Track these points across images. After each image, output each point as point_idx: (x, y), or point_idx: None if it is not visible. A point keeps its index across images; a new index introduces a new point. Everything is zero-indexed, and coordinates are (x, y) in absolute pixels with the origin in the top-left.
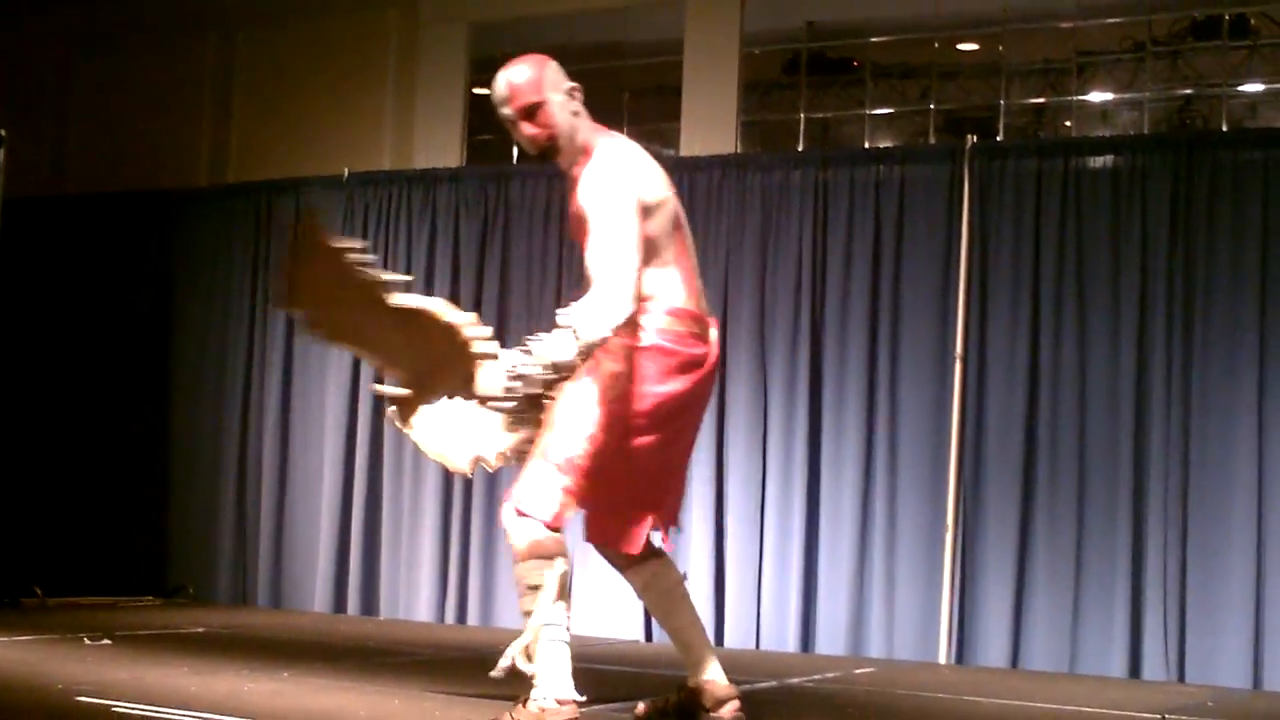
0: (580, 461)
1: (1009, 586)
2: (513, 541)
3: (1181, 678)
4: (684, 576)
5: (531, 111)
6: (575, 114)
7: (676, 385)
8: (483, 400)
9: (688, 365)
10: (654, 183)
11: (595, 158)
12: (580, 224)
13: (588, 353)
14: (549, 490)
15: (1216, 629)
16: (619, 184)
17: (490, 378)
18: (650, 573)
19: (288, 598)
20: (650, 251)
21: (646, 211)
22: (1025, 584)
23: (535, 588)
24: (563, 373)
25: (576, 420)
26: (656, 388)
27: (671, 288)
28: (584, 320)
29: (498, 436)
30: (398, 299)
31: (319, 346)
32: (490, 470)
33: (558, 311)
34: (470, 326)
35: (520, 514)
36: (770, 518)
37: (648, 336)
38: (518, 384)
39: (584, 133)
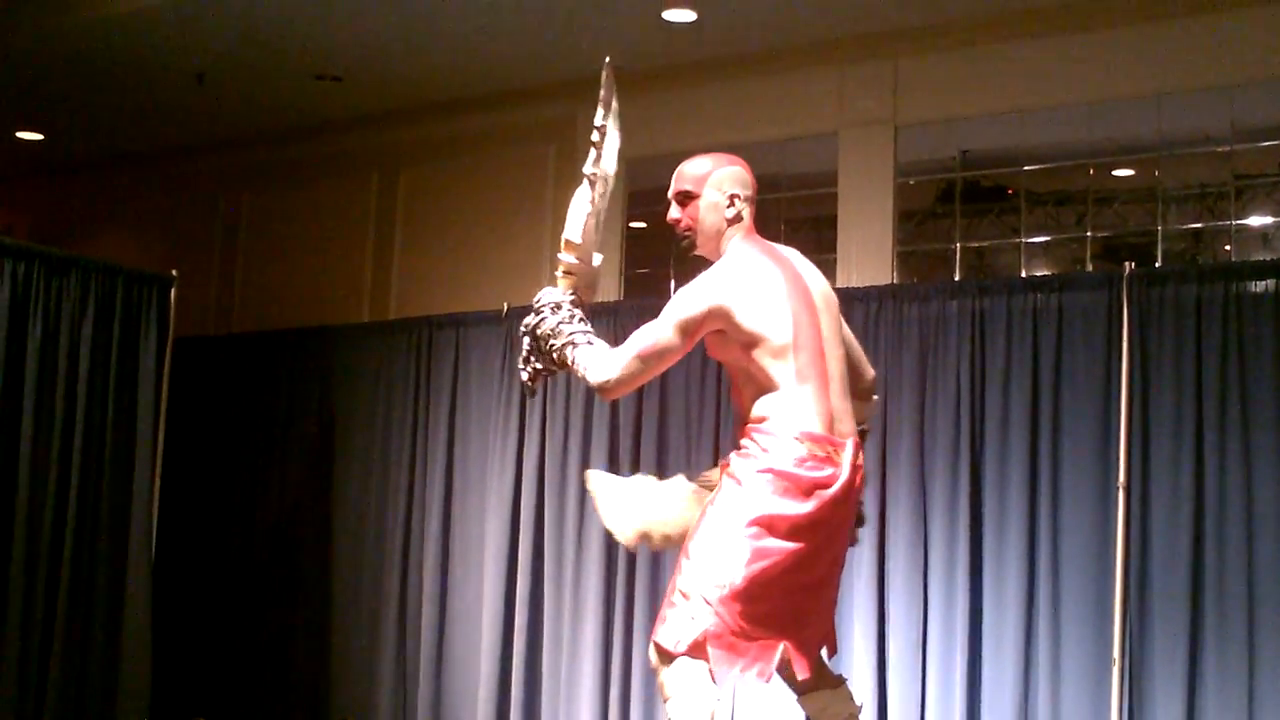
0: (719, 593)
1: None
2: (660, 680)
3: None
4: (859, 708)
5: (684, 199)
6: (728, 220)
7: (801, 508)
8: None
9: (811, 488)
10: (757, 298)
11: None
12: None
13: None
14: (686, 624)
15: None
16: (705, 285)
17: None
18: (824, 700)
19: None
20: (759, 372)
21: (730, 322)
22: (1195, 718)
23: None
24: (540, 344)
25: (709, 552)
26: (779, 510)
27: (796, 409)
28: (587, 361)
29: (671, 520)
30: None
31: (478, 474)
32: (651, 550)
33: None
34: None
35: (661, 650)
36: (932, 650)
37: (766, 460)
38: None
39: (730, 239)
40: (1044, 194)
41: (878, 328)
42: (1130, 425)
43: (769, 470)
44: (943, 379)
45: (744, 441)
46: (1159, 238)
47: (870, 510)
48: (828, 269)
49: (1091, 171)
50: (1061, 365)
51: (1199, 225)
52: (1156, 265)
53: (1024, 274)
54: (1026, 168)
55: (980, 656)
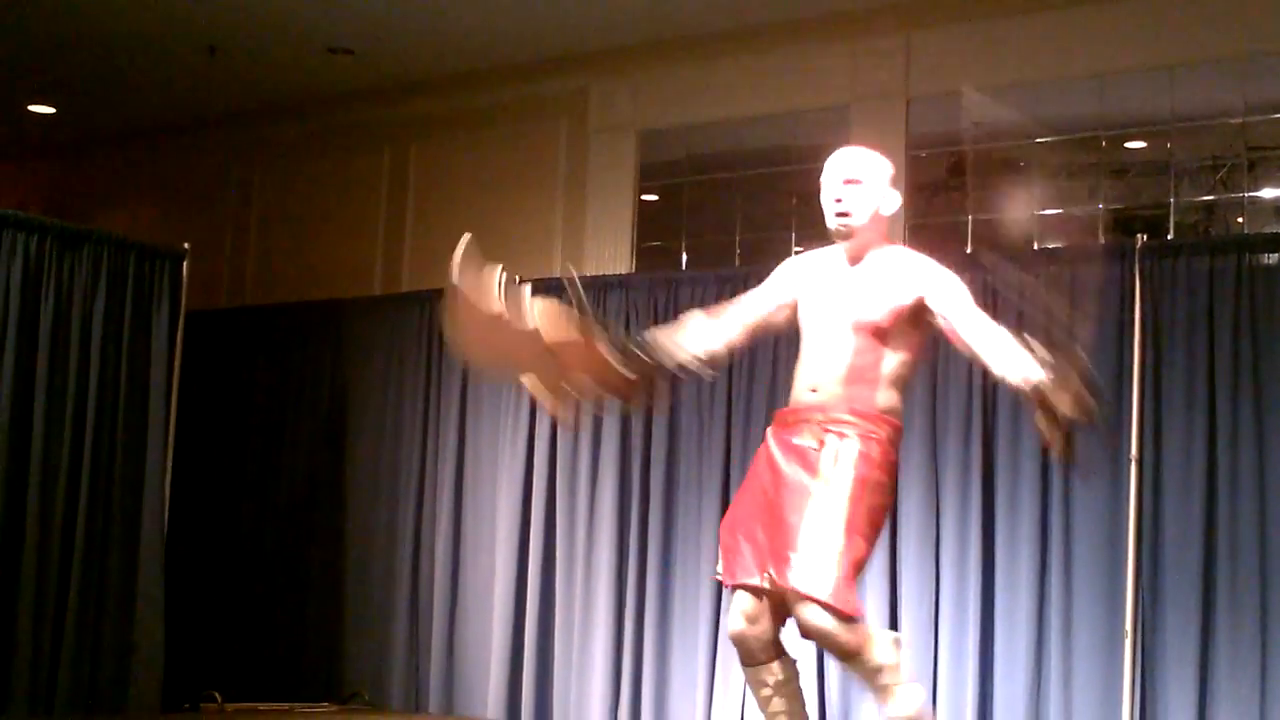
0: (858, 553)
1: (1191, 695)
2: (842, 640)
3: None
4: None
5: (852, 184)
6: (884, 217)
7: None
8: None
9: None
10: None
11: (896, 253)
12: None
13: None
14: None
15: None
16: (942, 270)
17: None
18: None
19: (460, 703)
20: (911, 368)
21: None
22: (1208, 691)
23: (881, 668)
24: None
25: (868, 516)
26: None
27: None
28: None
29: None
30: None
31: (490, 450)
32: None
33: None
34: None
35: (842, 614)
36: (945, 625)
37: (890, 453)
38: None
39: (877, 237)
40: (1056, 166)
41: None
42: (1142, 397)
43: (893, 461)
44: (954, 351)
45: (882, 429)
46: (1171, 210)
47: None
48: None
49: (1104, 144)
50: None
51: (1212, 198)
52: (1169, 238)
53: (1036, 246)
54: (1038, 140)
55: (993, 630)
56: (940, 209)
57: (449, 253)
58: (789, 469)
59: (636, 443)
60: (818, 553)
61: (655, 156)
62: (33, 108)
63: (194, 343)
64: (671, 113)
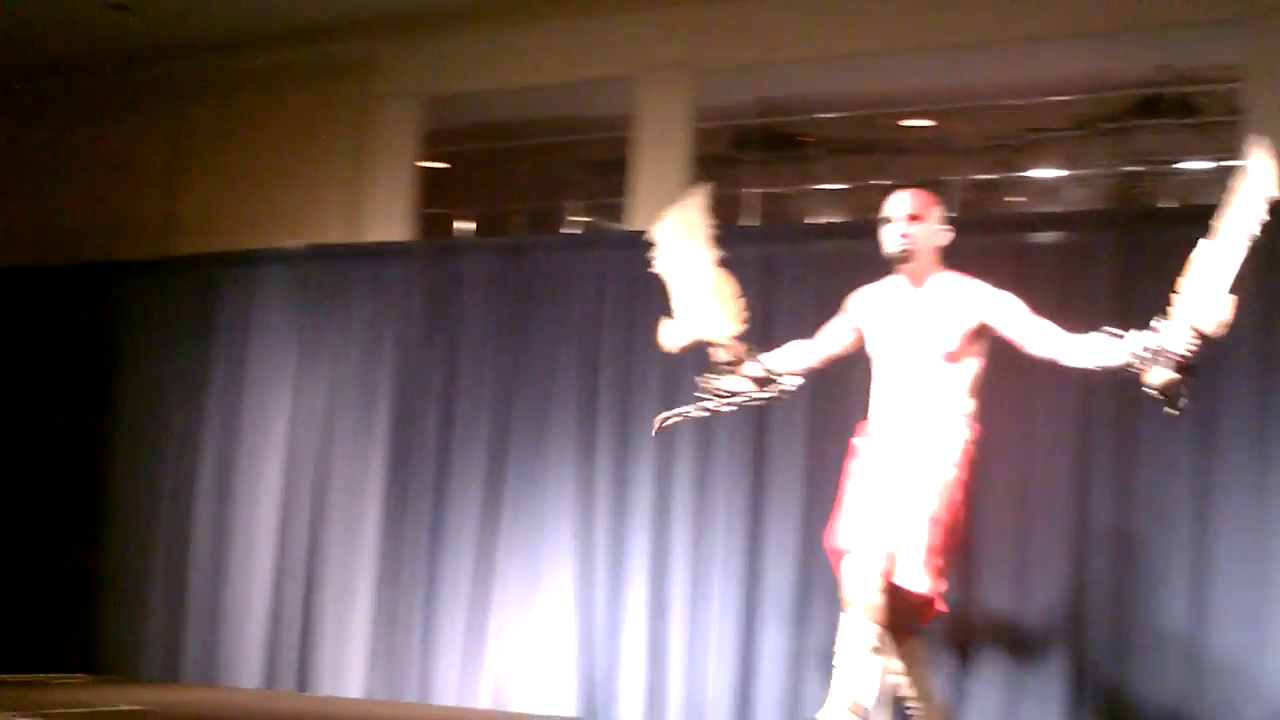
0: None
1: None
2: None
3: None
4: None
5: (915, 220)
6: (938, 248)
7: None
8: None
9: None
10: None
11: (955, 282)
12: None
13: None
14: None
15: None
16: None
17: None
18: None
19: (220, 672)
20: (973, 374)
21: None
22: None
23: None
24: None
25: (948, 508)
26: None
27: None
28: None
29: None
30: None
31: (260, 421)
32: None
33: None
34: None
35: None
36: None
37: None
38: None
39: (932, 263)
40: (839, 142)
41: None
42: None
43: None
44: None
45: (963, 432)
46: (952, 188)
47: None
48: (619, 213)
49: (886, 122)
50: None
51: (992, 176)
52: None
53: (817, 221)
54: (822, 115)
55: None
56: (724, 182)
57: (227, 215)
58: (893, 471)
59: (408, 406)
60: (915, 544)
61: (441, 123)
62: None
63: None
64: (458, 80)
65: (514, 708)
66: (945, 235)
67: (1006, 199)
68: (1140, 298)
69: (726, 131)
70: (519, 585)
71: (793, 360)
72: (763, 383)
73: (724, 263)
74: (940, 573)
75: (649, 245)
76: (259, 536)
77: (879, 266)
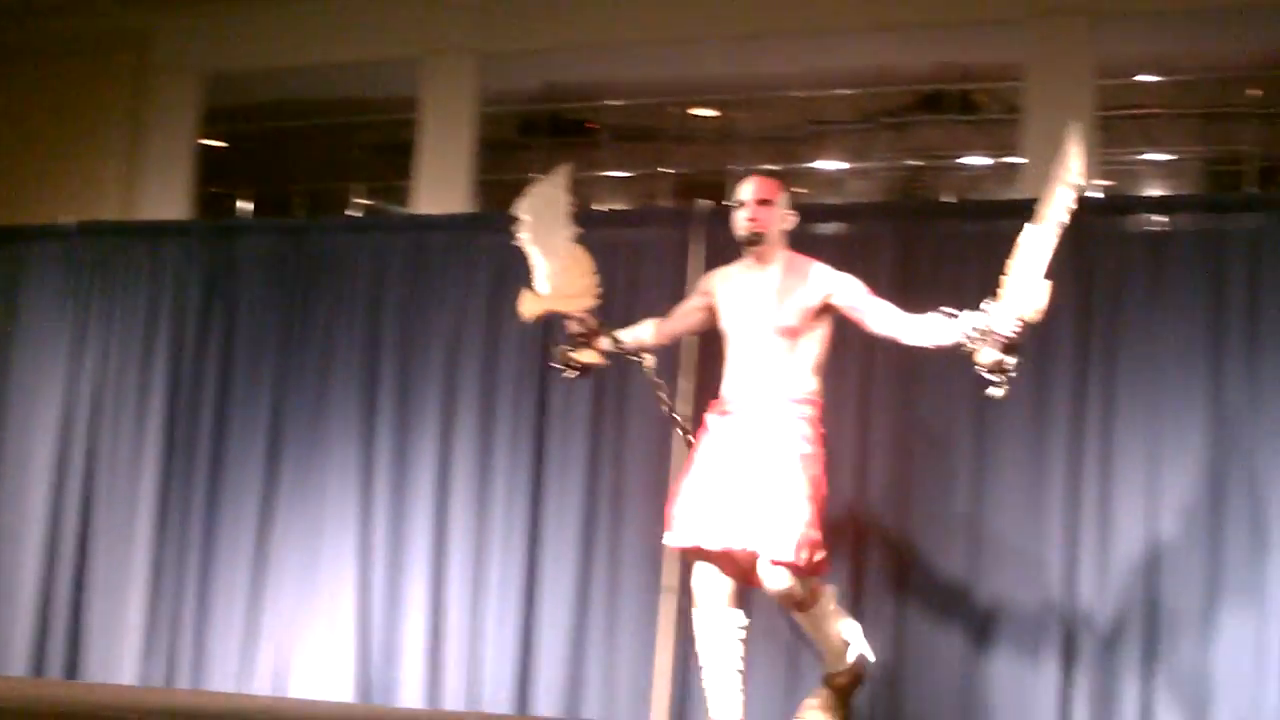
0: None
1: None
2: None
3: None
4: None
5: (764, 205)
6: (784, 231)
7: None
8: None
9: None
10: None
11: (798, 263)
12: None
13: None
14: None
15: None
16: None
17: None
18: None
19: None
20: (819, 350)
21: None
22: None
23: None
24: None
25: (813, 484)
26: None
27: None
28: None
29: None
30: None
31: (29, 403)
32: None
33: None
34: None
35: (795, 568)
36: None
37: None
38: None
39: (780, 244)
40: (625, 129)
41: (451, 256)
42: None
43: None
44: (513, 308)
45: (808, 410)
46: (736, 178)
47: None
48: (403, 197)
49: (671, 111)
50: (636, 302)
51: (776, 167)
52: (728, 203)
53: (601, 207)
54: (608, 103)
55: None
56: (511, 167)
57: None
58: (743, 447)
59: (184, 389)
60: (781, 519)
61: (223, 101)
62: None
63: None
64: (241, 57)
65: (293, 694)
66: (792, 219)
67: (790, 190)
68: (919, 289)
69: (513, 117)
70: (297, 569)
71: (645, 335)
72: (613, 357)
73: (509, 249)
74: (819, 545)
75: (431, 229)
76: (28, 521)
77: (663, 253)
